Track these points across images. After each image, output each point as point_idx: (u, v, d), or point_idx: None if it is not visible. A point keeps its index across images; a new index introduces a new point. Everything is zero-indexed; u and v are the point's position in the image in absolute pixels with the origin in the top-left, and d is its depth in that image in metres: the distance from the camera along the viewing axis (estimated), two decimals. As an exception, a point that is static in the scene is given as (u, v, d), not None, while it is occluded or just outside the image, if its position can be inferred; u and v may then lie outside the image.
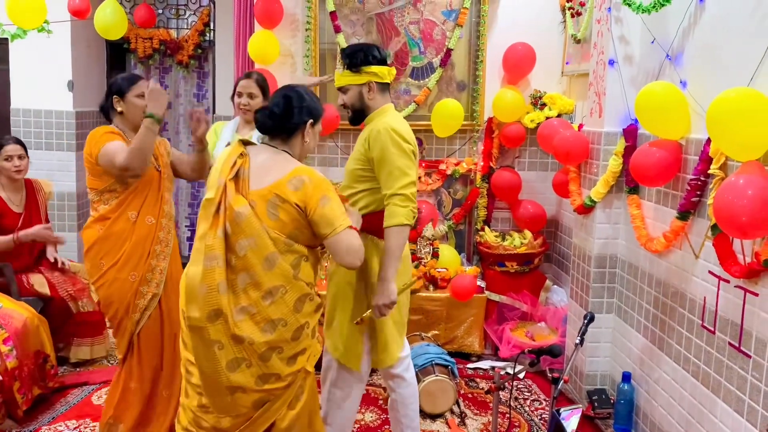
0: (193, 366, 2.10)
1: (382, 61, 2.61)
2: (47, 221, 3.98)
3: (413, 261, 4.29)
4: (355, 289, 2.61)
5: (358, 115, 2.64)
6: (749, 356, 2.32)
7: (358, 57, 2.57)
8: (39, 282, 3.72)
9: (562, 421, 2.34)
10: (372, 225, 2.57)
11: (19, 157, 3.71)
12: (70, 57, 5.08)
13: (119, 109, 2.79)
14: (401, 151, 2.49)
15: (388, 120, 2.54)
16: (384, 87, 2.63)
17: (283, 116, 2.19)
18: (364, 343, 2.64)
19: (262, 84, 3.32)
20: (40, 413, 3.28)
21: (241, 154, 2.13)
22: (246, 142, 2.22)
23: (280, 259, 2.07)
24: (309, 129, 2.23)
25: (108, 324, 2.89)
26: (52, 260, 3.88)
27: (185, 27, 6.11)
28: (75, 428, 3.17)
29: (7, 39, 4.78)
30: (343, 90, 2.63)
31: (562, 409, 2.40)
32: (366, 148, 2.55)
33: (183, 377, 2.19)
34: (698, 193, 2.64)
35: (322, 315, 2.54)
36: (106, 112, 2.86)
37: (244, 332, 2.03)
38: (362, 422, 3.31)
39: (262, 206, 2.07)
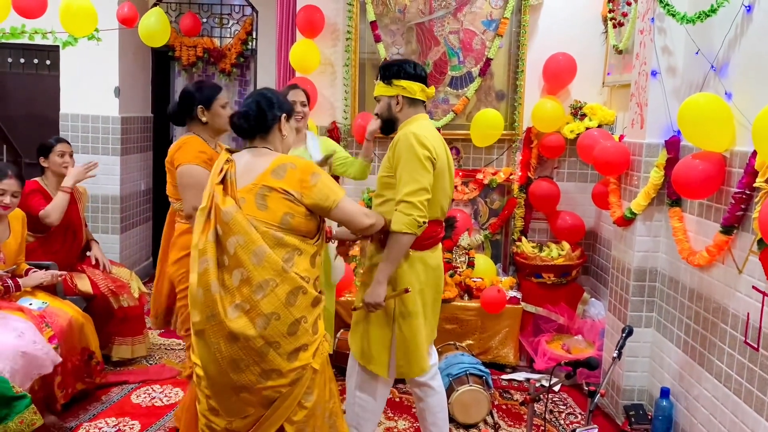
0: (200, 369, 2.17)
1: (416, 77, 2.66)
2: (85, 225, 4.11)
3: (448, 270, 4.29)
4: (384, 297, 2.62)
5: (388, 124, 2.73)
6: (794, 375, 2.26)
7: (390, 70, 2.66)
8: (82, 281, 3.83)
9: None
10: None
11: (70, 155, 3.85)
12: (117, 64, 5.23)
13: (204, 119, 2.84)
14: (415, 157, 2.50)
15: (412, 127, 2.60)
16: (414, 102, 2.68)
17: (257, 116, 2.28)
18: (390, 351, 2.64)
19: (307, 93, 3.52)
20: (81, 410, 3.36)
21: (227, 160, 2.22)
22: (231, 150, 2.32)
23: (268, 252, 2.10)
24: (284, 123, 2.33)
25: (185, 332, 2.88)
26: (94, 261, 3.98)
27: (228, 36, 6.24)
28: (114, 426, 3.24)
29: (58, 46, 4.97)
30: (378, 100, 2.74)
31: (578, 429, 2.37)
32: (391, 155, 2.60)
33: (194, 383, 2.25)
34: (743, 206, 2.58)
35: None
36: (180, 119, 2.91)
37: (237, 328, 2.07)
38: (395, 429, 3.31)
39: (251, 200, 2.14)
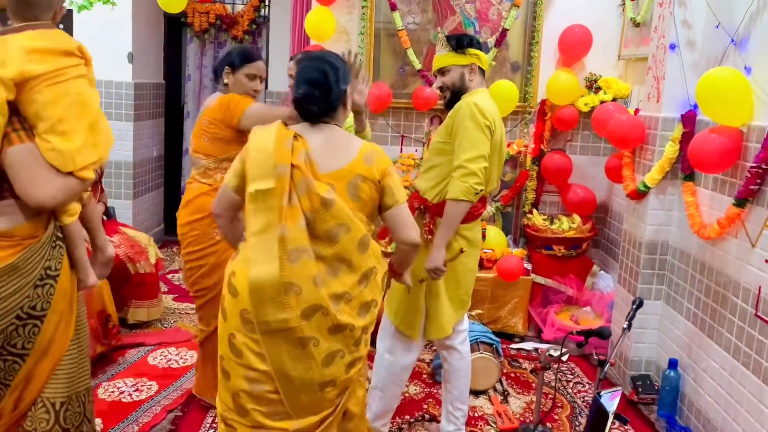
0: (259, 372, 1.92)
1: (482, 49, 2.75)
2: (102, 190, 4.14)
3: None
4: (417, 270, 2.65)
5: (456, 96, 2.71)
6: (804, 347, 2.30)
7: (464, 39, 2.70)
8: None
9: (604, 403, 2.38)
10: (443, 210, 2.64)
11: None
12: (131, 29, 5.22)
13: (226, 81, 2.85)
14: (476, 125, 2.55)
15: (474, 97, 2.64)
16: (482, 73, 2.74)
17: (326, 96, 2.01)
18: (422, 313, 2.72)
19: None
20: (99, 371, 3.43)
21: (295, 136, 1.96)
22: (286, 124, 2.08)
23: (372, 241, 2.01)
24: (348, 97, 2.11)
25: (200, 293, 2.91)
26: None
27: (241, 2, 6.20)
28: (132, 386, 3.32)
29: (72, 10, 4.96)
30: (443, 71, 2.72)
31: (603, 392, 2.43)
32: (450, 123, 2.64)
33: (227, 400, 1.99)
34: (758, 180, 2.60)
35: None
36: (219, 75, 2.92)
37: (344, 320, 1.93)
38: (406, 394, 3.38)
39: (342, 188, 1.96)
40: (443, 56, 2.71)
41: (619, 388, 2.47)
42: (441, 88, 2.75)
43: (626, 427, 3.17)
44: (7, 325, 1.86)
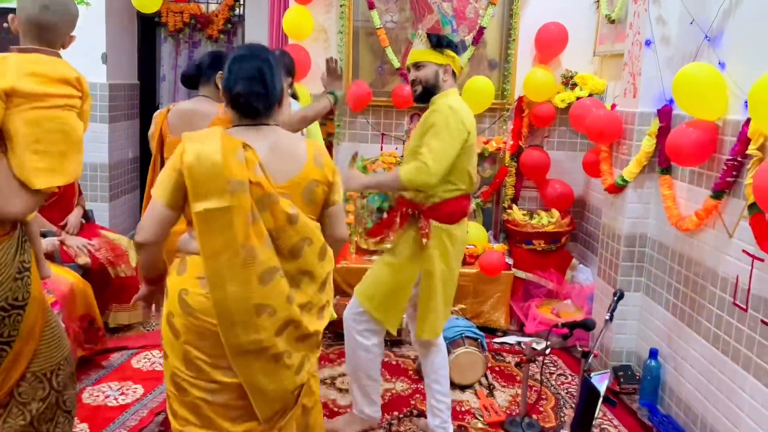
0: (219, 387, 1.86)
1: (458, 53, 2.83)
2: (80, 193, 4.09)
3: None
4: (411, 271, 2.75)
5: (428, 93, 2.76)
6: (782, 333, 2.37)
7: (444, 40, 2.75)
8: (81, 256, 3.81)
9: (594, 384, 2.44)
10: (438, 212, 2.71)
11: None
12: (104, 30, 5.14)
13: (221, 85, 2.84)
14: (447, 129, 2.59)
15: (450, 100, 2.69)
16: (454, 76, 2.80)
17: (269, 95, 1.92)
18: (403, 311, 2.81)
19: (288, 63, 3.37)
20: (83, 375, 3.39)
21: (244, 146, 1.81)
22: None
23: (328, 248, 1.97)
24: (286, 90, 2.03)
25: None
26: (64, 222, 3.93)
27: (215, 1, 6.16)
28: (118, 389, 3.29)
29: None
30: (418, 66, 2.75)
31: (592, 374, 2.49)
32: (425, 123, 2.67)
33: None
34: (734, 173, 2.67)
35: None
36: (193, 82, 2.90)
37: (312, 328, 1.92)
38: (393, 391, 3.40)
39: (298, 195, 1.89)
40: (421, 51, 2.75)
41: (608, 370, 2.54)
42: (413, 82, 2.78)
43: (609, 417, 3.23)
44: None
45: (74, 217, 3.96)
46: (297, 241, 1.86)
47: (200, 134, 1.85)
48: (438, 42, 2.73)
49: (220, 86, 2.76)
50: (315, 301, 1.94)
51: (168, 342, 1.88)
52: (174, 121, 2.82)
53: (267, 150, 1.87)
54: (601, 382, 2.38)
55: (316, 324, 1.95)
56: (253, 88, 1.89)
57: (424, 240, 2.69)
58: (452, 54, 2.75)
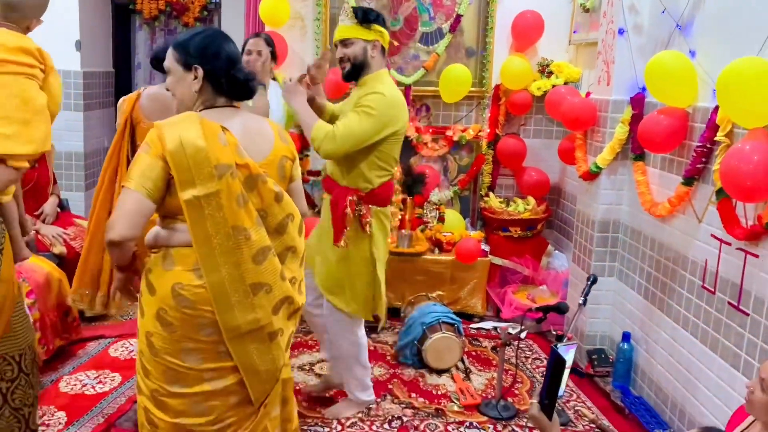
0: (217, 374, 1.87)
1: (386, 28, 2.76)
2: (55, 182, 4.06)
3: (420, 225, 4.40)
4: (362, 256, 2.80)
5: (357, 70, 2.71)
6: (747, 314, 2.44)
7: (371, 14, 2.68)
8: (56, 246, 3.78)
9: (561, 353, 2.49)
10: (376, 197, 2.75)
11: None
12: (77, 17, 5.07)
13: None
14: (377, 119, 2.59)
15: (385, 88, 2.66)
16: (383, 51, 2.74)
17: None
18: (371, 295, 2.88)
19: (270, 41, 3.49)
20: (60, 364, 3.38)
21: (222, 128, 1.82)
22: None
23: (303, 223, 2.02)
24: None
25: None
26: (39, 212, 3.90)
27: (191, -12, 6.09)
28: (95, 378, 3.28)
29: (16, -3, 4.78)
30: (346, 43, 2.69)
31: (559, 344, 2.54)
32: (359, 101, 2.65)
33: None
34: (704, 159, 2.73)
35: None
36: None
37: (300, 302, 1.97)
38: (372, 375, 3.43)
39: (274, 173, 1.92)
40: (348, 27, 2.67)
41: (575, 342, 2.60)
42: (341, 60, 2.71)
43: (583, 399, 3.30)
44: None
45: (50, 206, 3.93)
46: (282, 218, 1.89)
47: (176, 119, 1.82)
48: (365, 17, 2.65)
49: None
50: (298, 276, 1.97)
51: (160, 338, 1.83)
52: (148, 106, 2.78)
53: (240, 131, 1.87)
54: (568, 352, 2.44)
55: (301, 299, 1.99)
56: (247, 71, 1.94)
57: (367, 227, 2.73)
58: (380, 29, 2.69)
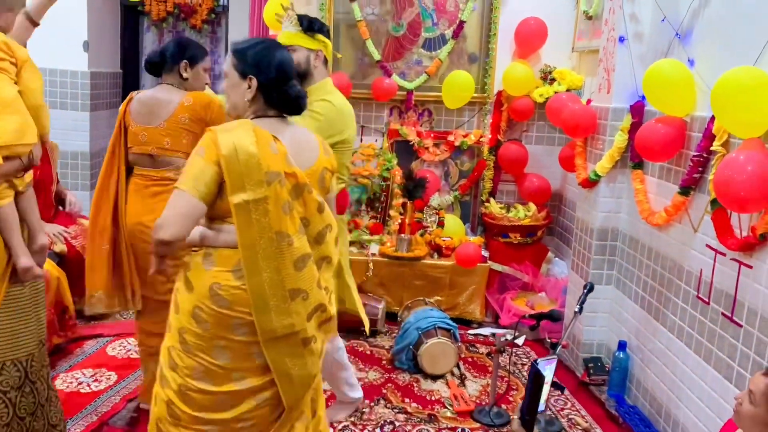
0: (244, 374, 1.89)
1: (329, 39, 2.73)
2: (57, 182, 4.09)
3: (419, 229, 4.41)
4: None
5: (299, 78, 2.54)
6: (740, 326, 2.43)
7: (316, 24, 2.66)
8: (57, 243, 3.82)
9: (540, 369, 2.49)
10: (336, 205, 2.65)
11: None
12: (86, 18, 5.12)
13: (185, 75, 2.83)
14: (326, 126, 2.54)
15: (336, 99, 2.63)
16: (326, 62, 2.71)
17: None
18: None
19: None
20: (57, 362, 3.41)
21: (274, 138, 1.88)
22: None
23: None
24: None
25: None
26: (69, 208, 3.96)
27: (199, -9, 6.13)
28: (91, 376, 3.30)
29: (25, -2, 4.84)
30: (290, 48, 2.54)
31: (539, 360, 2.54)
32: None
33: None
34: (700, 169, 2.72)
35: None
36: (158, 69, 2.88)
37: (332, 312, 2.00)
38: (366, 380, 3.44)
39: (314, 184, 1.95)
40: (292, 34, 2.63)
41: (555, 356, 2.60)
42: None
43: (578, 407, 3.28)
44: None
45: (72, 196, 4.02)
46: (322, 228, 1.94)
47: (231, 126, 1.87)
48: (310, 26, 2.62)
49: (187, 76, 2.77)
50: (330, 286, 2.01)
51: (194, 335, 1.86)
52: (137, 109, 2.82)
53: (290, 142, 1.92)
54: (547, 367, 2.44)
55: (332, 309, 2.02)
56: (300, 88, 1.98)
57: None
58: (324, 39, 2.66)
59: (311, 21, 2.65)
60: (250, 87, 1.93)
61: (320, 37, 2.65)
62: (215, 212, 1.87)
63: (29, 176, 2.27)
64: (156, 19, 6.04)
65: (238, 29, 5.72)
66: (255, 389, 1.90)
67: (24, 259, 2.20)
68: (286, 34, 2.63)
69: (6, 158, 2.09)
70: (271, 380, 1.90)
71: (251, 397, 1.90)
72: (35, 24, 2.47)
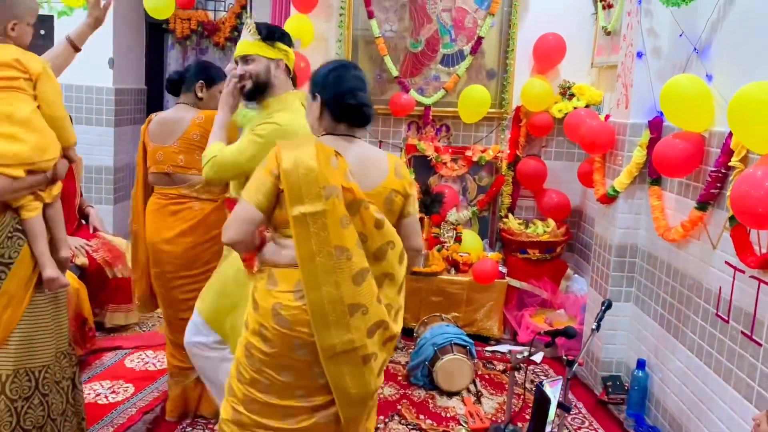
0: (307, 391, 1.95)
1: (291, 47, 2.57)
2: (80, 195, 4.17)
3: (436, 244, 4.39)
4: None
5: (260, 89, 2.47)
6: (760, 345, 2.38)
7: (276, 32, 2.50)
8: (78, 256, 3.88)
9: (546, 391, 2.46)
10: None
11: None
12: (111, 35, 5.25)
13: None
14: (254, 145, 2.34)
15: (296, 121, 2.38)
16: (289, 72, 2.54)
17: (370, 105, 2.05)
18: None
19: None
20: (76, 373, 3.45)
21: (336, 153, 1.92)
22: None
23: (404, 250, 2.04)
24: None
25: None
26: (92, 230, 4.06)
27: (223, 9, 6.24)
28: (109, 388, 3.34)
29: (52, 16, 4.98)
30: (247, 59, 2.45)
31: (543, 381, 2.51)
32: (255, 129, 2.41)
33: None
34: (718, 184, 2.68)
35: None
36: (177, 88, 2.97)
37: (395, 330, 1.99)
38: (381, 396, 3.43)
39: (380, 204, 1.97)
40: (250, 43, 2.43)
41: (560, 377, 2.57)
42: (242, 77, 2.45)
43: (595, 426, 3.23)
44: None
45: (95, 211, 4.17)
46: (382, 245, 1.94)
47: (296, 142, 1.95)
48: (269, 34, 2.45)
49: (202, 96, 2.81)
50: (393, 304, 2.01)
51: (260, 351, 1.93)
52: (154, 130, 2.94)
53: (355, 160, 1.96)
54: (552, 388, 2.41)
55: (398, 327, 2.02)
56: (363, 98, 2.01)
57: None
58: (285, 48, 2.49)
59: (271, 29, 2.49)
60: (317, 105, 2.01)
61: (281, 45, 2.47)
62: (274, 222, 1.97)
63: (57, 188, 2.36)
64: (180, 36, 6.16)
65: (260, 46, 5.80)
66: (317, 407, 1.95)
67: (50, 270, 2.29)
68: (244, 43, 2.46)
69: (29, 172, 2.18)
70: (332, 399, 1.95)
71: (313, 413, 1.96)
72: (77, 49, 2.54)
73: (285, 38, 2.51)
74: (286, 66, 2.51)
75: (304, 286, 1.86)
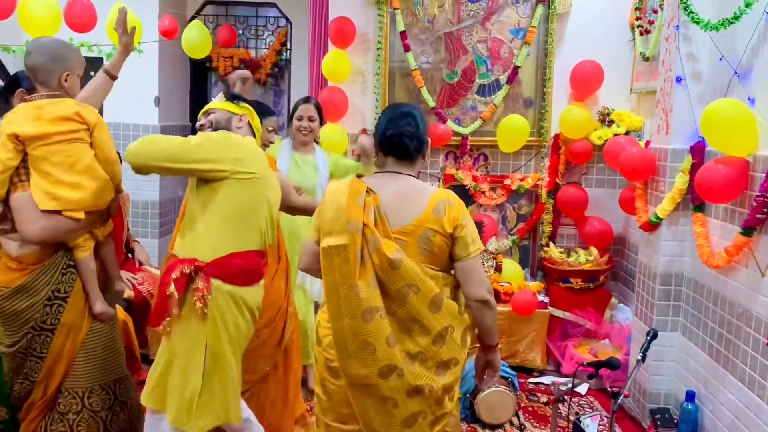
0: (345, 417, 2.05)
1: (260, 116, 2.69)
2: (127, 229, 4.29)
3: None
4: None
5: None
6: (815, 376, 2.28)
7: (241, 98, 2.61)
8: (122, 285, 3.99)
9: (583, 426, 2.40)
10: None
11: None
12: (157, 74, 5.44)
13: None
14: (185, 141, 2.31)
15: (240, 136, 2.46)
16: (251, 131, 2.58)
17: (418, 136, 2.09)
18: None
19: (319, 107, 3.69)
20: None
21: (367, 191, 1.98)
22: (359, 175, 2.10)
23: (445, 298, 1.98)
24: (427, 148, 2.17)
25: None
26: (138, 265, 4.16)
27: (263, 47, 6.43)
28: (153, 420, 3.38)
29: (102, 58, 5.19)
30: (208, 113, 2.54)
31: (581, 416, 2.45)
32: None
33: None
34: (765, 210, 2.61)
35: None
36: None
37: (421, 381, 1.95)
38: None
39: (414, 243, 1.96)
40: (216, 103, 2.56)
41: (598, 411, 2.51)
42: (202, 127, 2.50)
43: (644, 462, 3.13)
44: (26, 332, 2.41)
45: (140, 247, 4.27)
46: (402, 286, 1.94)
47: (338, 182, 2.10)
48: (233, 96, 2.59)
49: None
50: (430, 354, 1.97)
51: (312, 367, 2.15)
52: None
53: (392, 195, 2.02)
54: (591, 424, 2.36)
55: (431, 379, 1.97)
56: (404, 128, 2.07)
57: (201, 305, 2.27)
58: (248, 108, 2.59)
59: (236, 95, 2.63)
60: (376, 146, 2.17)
61: (245, 105, 2.59)
62: None
63: (109, 226, 2.57)
64: (223, 74, 6.35)
65: (300, 82, 5.94)
66: None
67: (99, 305, 2.50)
68: (212, 103, 2.59)
69: (88, 213, 2.39)
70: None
71: None
72: (114, 78, 2.68)
73: (247, 103, 2.60)
74: (249, 122, 2.57)
75: (329, 316, 1.99)
